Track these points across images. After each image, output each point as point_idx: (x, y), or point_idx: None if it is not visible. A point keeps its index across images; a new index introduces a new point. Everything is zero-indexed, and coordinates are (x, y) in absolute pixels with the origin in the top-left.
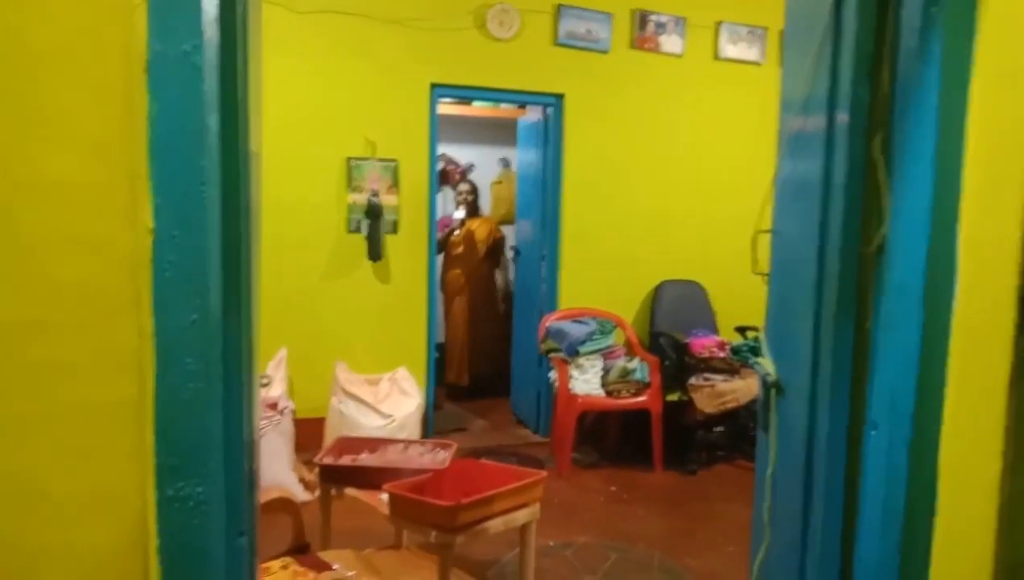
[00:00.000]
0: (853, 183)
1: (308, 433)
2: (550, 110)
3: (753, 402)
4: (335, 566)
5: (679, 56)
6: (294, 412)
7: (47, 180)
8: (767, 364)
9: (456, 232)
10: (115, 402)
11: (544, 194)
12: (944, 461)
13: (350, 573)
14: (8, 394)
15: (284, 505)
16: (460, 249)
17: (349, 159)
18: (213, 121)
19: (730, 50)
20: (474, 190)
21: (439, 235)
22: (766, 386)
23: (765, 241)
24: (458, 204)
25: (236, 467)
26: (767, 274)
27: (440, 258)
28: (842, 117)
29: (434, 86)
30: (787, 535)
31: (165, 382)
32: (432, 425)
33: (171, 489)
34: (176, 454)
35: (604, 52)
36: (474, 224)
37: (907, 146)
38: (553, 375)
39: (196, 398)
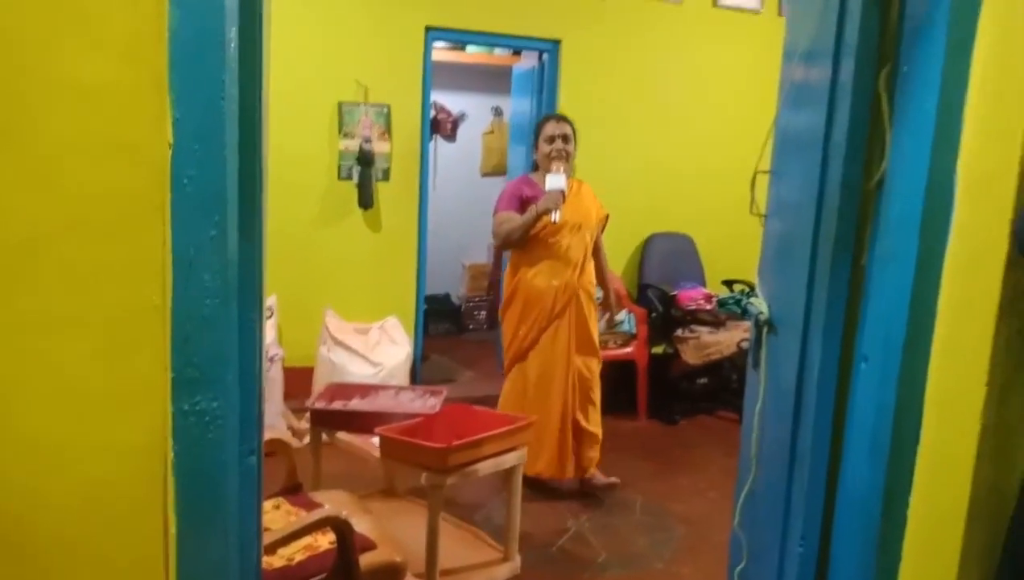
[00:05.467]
0: (857, 117)
1: (297, 382)
2: (546, 56)
3: (736, 355)
4: (326, 506)
5: (677, 3)
6: (283, 360)
7: (78, 82)
8: (759, 303)
9: (554, 213)
10: (141, 307)
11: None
12: (931, 391)
13: (343, 512)
14: (43, 294)
15: (278, 446)
16: (564, 238)
17: (341, 103)
18: (233, 33)
19: None
20: (568, 137)
21: (511, 214)
22: (758, 325)
23: (763, 183)
24: (551, 159)
25: (250, 386)
26: (764, 215)
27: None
28: (849, 49)
29: (428, 29)
30: (774, 467)
31: (184, 296)
32: (420, 375)
33: (187, 403)
34: (193, 367)
35: None
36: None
37: (913, 80)
38: None
39: (213, 314)
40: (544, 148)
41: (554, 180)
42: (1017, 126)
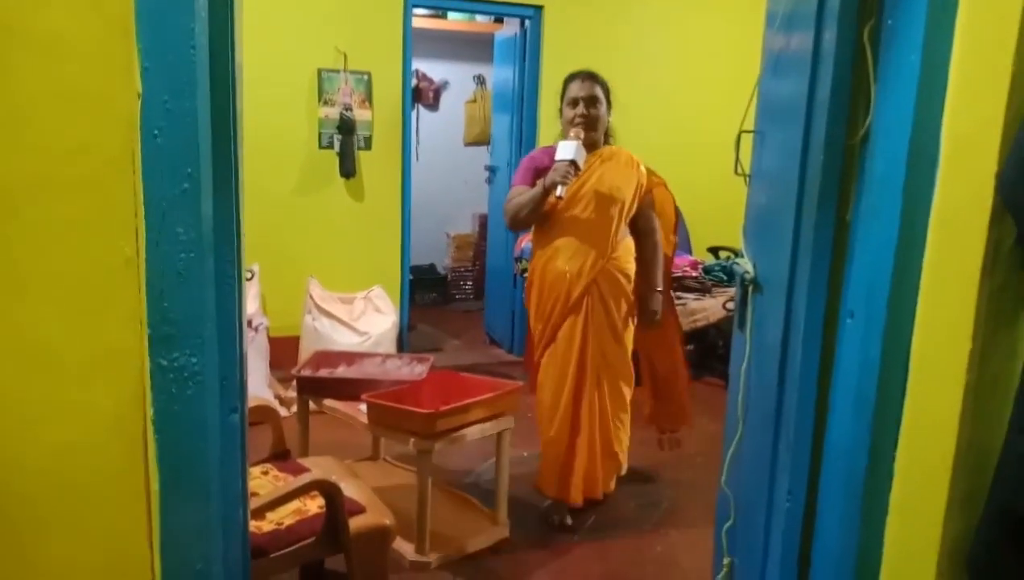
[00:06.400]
0: (841, 72)
1: (282, 351)
2: (528, 23)
3: (722, 321)
4: (314, 471)
5: None
6: (268, 329)
7: (41, 32)
8: (745, 263)
9: (560, 188)
10: (114, 261)
11: (521, 112)
12: (916, 347)
13: (331, 476)
14: (14, 251)
15: (265, 413)
16: (584, 214)
17: (320, 70)
18: None
19: None
20: (595, 99)
21: (523, 189)
22: (743, 284)
23: (747, 143)
24: (573, 125)
25: (229, 343)
26: (748, 175)
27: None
28: (833, 4)
29: None
30: (760, 425)
31: (157, 250)
32: (407, 344)
33: (164, 359)
34: (170, 323)
35: None
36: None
37: (897, 33)
38: None
39: (188, 268)
40: (567, 113)
41: (564, 148)
42: (1002, 79)
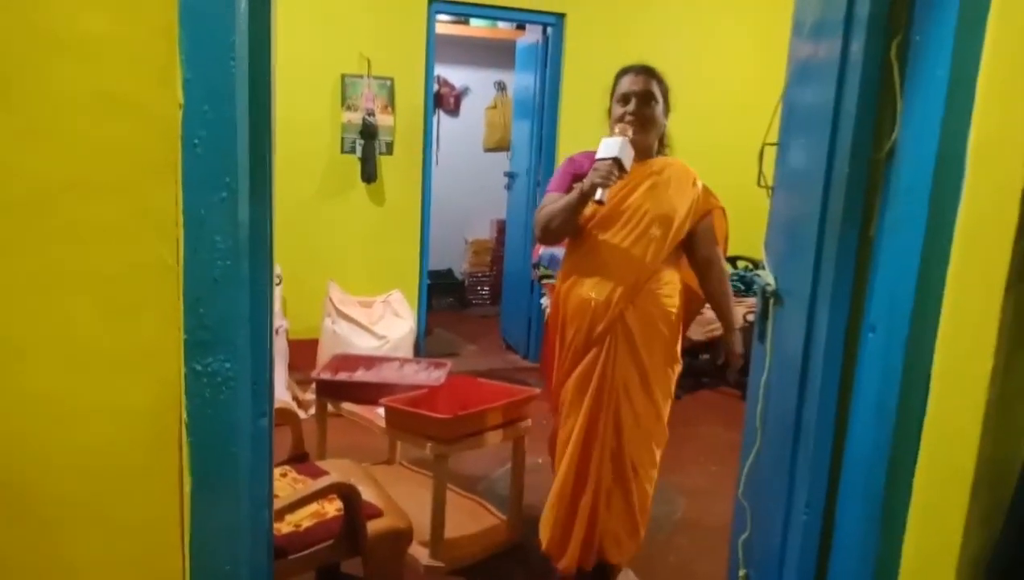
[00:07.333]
0: (868, 87)
1: (301, 354)
2: (550, 30)
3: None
4: (332, 474)
5: None
6: (288, 332)
7: (86, 38)
8: (766, 275)
9: (599, 192)
10: (153, 265)
11: (541, 119)
12: (938, 362)
13: (349, 480)
14: (52, 253)
15: (285, 416)
16: (620, 234)
17: (344, 76)
18: None
19: None
20: (649, 96)
21: (557, 196)
22: (764, 297)
23: (770, 156)
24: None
25: (261, 348)
26: (771, 187)
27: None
28: (860, 21)
29: (432, 1)
30: (779, 437)
31: (195, 257)
32: (424, 349)
33: (199, 364)
34: (206, 328)
35: None
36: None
37: (925, 49)
38: (545, 301)
39: (225, 275)
40: (616, 110)
41: (608, 145)
42: None
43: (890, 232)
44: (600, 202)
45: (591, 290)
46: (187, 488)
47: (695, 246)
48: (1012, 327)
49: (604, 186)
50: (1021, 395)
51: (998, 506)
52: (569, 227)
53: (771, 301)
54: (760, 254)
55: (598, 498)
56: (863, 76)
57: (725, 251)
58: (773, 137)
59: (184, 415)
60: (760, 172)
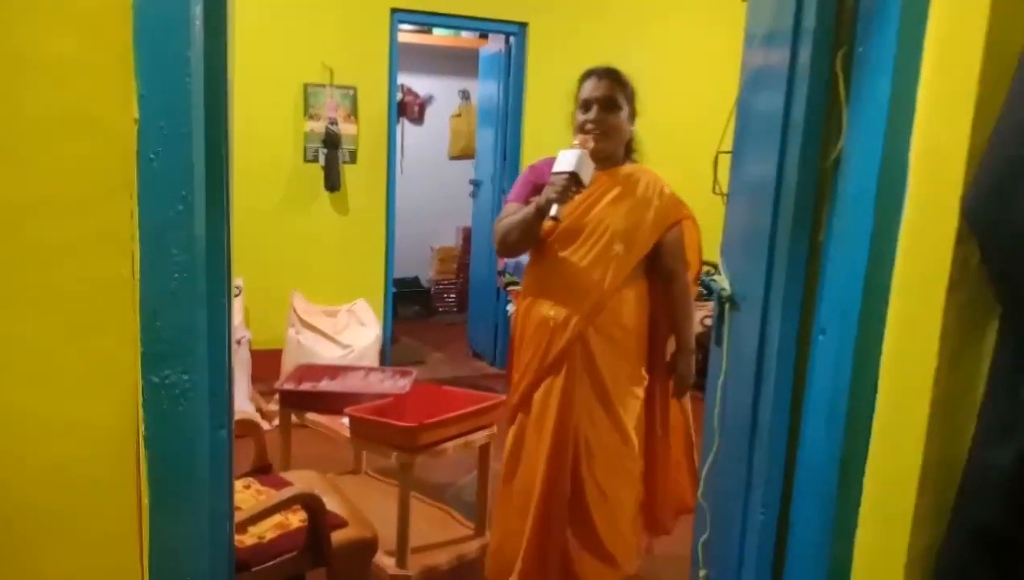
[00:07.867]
0: (815, 97)
1: (264, 364)
2: (512, 39)
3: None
4: (296, 485)
5: None
6: (251, 342)
7: (42, 58)
8: (722, 281)
9: (554, 208)
10: (111, 281)
11: (505, 126)
12: (885, 363)
13: (314, 490)
14: (11, 270)
15: (248, 427)
16: (580, 251)
17: (306, 85)
18: (198, 11)
19: None
20: (612, 102)
21: (516, 206)
22: (720, 301)
23: (724, 162)
24: (584, 133)
25: (219, 360)
26: (726, 195)
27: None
28: (807, 32)
29: (394, 11)
30: (736, 439)
31: (152, 270)
32: (390, 357)
33: (157, 376)
34: (162, 341)
35: None
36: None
37: (868, 60)
38: (511, 308)
39: (182, 288)
40: (578, 117)
41: (564, 158)
42: (967, 105)
43: (838, 238)
44: (555, 219)
45: (550, 310)
46: (146, 501)
47: (659, 258)
48: (955, 328)
49: (559, 202)
50: (966, 395)
51: (946, 505)
52: (527, 242)
53: (727, 306)
54: (718, 258)
55: (565, 536)
56: (811, 86)
57: (698, 261)
58: (728, 145)
59: (142, 428)
60: (715, 179)
